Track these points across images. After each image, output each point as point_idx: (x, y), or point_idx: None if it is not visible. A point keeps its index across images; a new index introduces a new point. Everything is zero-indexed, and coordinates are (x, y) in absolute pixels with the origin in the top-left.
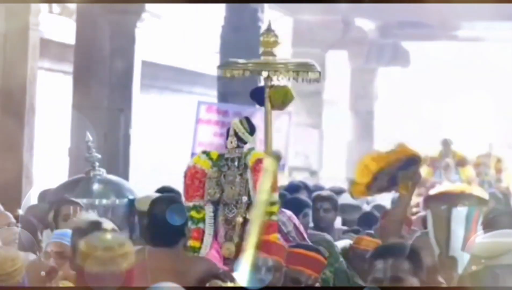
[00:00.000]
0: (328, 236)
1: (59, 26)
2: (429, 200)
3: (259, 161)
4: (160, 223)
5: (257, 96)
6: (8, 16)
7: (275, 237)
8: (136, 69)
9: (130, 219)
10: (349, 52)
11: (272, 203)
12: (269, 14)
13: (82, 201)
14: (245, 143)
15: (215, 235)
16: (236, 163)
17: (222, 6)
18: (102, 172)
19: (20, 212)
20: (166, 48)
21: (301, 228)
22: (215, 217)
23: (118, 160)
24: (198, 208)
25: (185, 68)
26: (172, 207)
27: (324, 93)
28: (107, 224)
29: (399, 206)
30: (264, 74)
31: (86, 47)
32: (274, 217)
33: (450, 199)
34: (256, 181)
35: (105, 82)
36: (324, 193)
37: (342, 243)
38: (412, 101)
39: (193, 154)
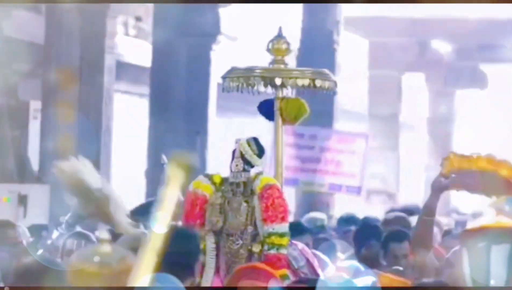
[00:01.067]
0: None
1: (135, 48)
2: (466, 236)
3: (267, 187)
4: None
5: (266, 109)
6: (84, 39)
7: (284, 273)
8: (211, 92)
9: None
10: (426, 75)
11: (282, 235)
12: (346, 37)
13: None
14: (252, 166)
15: (217, 269)
16: (241, 189)
17: (298, 29)
18: None
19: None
20: None
21: (315, 263)
22: (217, 248)
23: None
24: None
25: (260, 90)
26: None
27: (401, 115)
28: (103, 234)
29: (419, 226)
30: (278, 81)
31: (162, 70)
32: (283, 250)
33: (489, 235)
34: (264, 210)
35: (181, 104)
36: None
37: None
38: (490, 123)
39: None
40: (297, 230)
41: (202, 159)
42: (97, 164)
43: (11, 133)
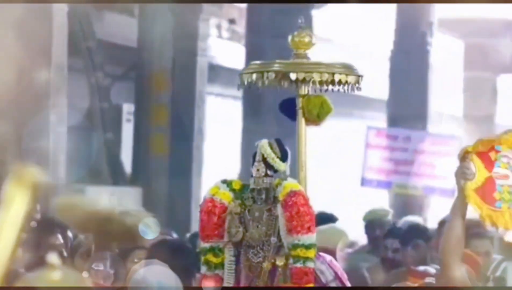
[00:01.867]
0: None
1: (228, 51)
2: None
3: (292, 194)
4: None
5: (287, 108)
6: (176, 41)
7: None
8: None
9: None
10: None
11: (308, 247)
12: (439, 39)
13: None
14: (276, 171)
15: (237, 284)
16: (263, 196)
17: (391, 30)
18: None
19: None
20: None
21: (344, 277)
22: (237, 262)
23: None
24: (216, 251)
25: (356, 93)
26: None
27: (496, 117)
28: (53, 258)
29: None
30: (293, 76)
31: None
32: (309, 264)
33: None
34: (288, 219)
35: (274, 107)
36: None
37: None
38: None
39: (363, 180)
40: None
41: (294, 161)
42: (189, 167)
43: (104, 136)
